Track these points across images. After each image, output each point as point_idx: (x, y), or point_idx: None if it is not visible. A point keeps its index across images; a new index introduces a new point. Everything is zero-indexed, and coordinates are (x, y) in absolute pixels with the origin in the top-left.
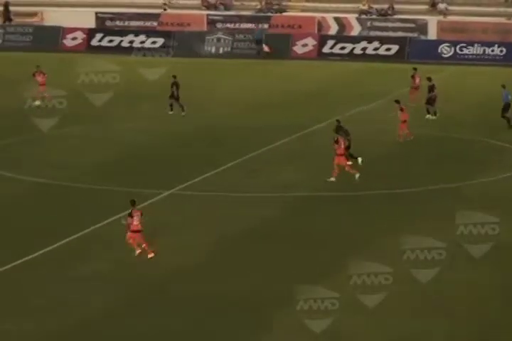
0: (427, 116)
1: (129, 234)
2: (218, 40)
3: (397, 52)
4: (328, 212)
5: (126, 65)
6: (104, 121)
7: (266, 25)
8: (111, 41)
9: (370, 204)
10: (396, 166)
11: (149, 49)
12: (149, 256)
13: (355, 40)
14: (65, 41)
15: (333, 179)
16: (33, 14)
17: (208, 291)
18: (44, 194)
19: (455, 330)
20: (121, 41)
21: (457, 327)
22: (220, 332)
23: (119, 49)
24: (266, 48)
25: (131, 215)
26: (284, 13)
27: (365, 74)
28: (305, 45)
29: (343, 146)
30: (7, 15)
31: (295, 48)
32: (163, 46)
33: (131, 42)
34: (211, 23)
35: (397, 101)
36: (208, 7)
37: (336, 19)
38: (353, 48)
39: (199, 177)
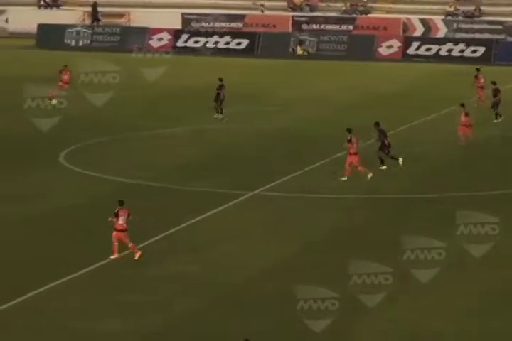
0: (495, 120)
1: (114, 233)
2: (304, 41)
3: (484, 54)
4: (415, 214)
5: (207, 65)
6: (190, 121)
7: (351, 27)
8: (196, 42)
9: (456, 206)
10: (481, 168)
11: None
12: (136, 256)
13: (440, 41)
14: (151, 42)
15: (345, 178)
16: (121, 15)
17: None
18: (130, 194)
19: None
20: (207, 42)
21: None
22: (309, 333)
23: (204, 50)
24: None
25: (116, 214)
26: (370, 15)
27: (450, 76)
28: (390, 47)
29: (355, 145)
30: (95, 16)
31: (380, 50)
32: (248, 47)
33: (216, 43)
34: (296, 24)
35: (462, 105)
36: (294, 8)
37: (422, 21)
38: (439, 50)
39: (284, 177)
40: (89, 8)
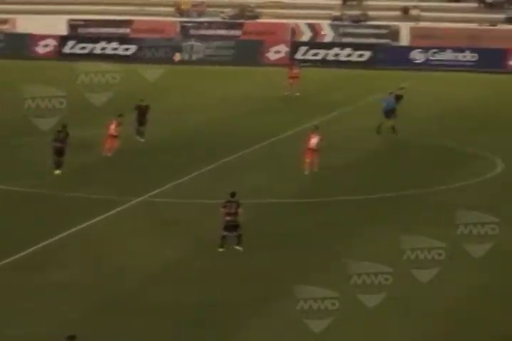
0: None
1: None
2: (191, 46)
3: (370, 58)
4: (301, 219)
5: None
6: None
7: (239, 32)
8: (83, 48)
9: (339, 210)
10: (365, 173)
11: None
12: None
13: (327, 46)
14: (37, 48)
15: None
16: (5, 21)
17: (185, 299)
18: (9, 202)
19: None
20: (94, 48)
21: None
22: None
23: (91, 56)
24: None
25: None
26: (258, 20)
27: (337, 81)
28: (278, 52)
29: None
30: None
31: (268, 55)
32: (135, 53)
33: (103, 49)
34: (184, 29)
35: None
36: (181, 14)
37: (309, 25)
38: (326, 54)
39: (171, 183)
40: None
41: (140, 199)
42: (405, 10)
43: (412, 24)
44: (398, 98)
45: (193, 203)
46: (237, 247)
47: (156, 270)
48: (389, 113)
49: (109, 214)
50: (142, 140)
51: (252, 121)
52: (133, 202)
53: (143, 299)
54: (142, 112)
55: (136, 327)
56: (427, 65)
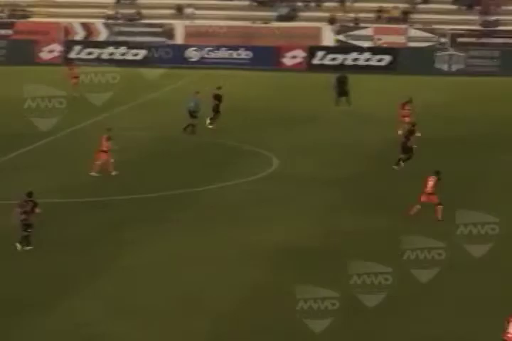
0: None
1: None
2: None
3: (145, 57)
4: (83, 218)
5: None
6: None
7: (10, 31)
8: None
9: (119, 210)
10: (144, 173)
11: None
12: None
13: (102, 45)
14: None
15: None
16: None
17: None
18: None
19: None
20: None
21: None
22: None
23: None
24: None
25: None
26: (29, 19)
27: (113, 80)
28: (51, 51)
29: None
30: None
31: (41, 54)
32: None
33: None
34: None
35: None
36: None
37: (83, 24)
38: (101, 53)
39: None
40: None
41: None
42: (179, 8)
43: (186, 22)
44: (218, 97)
45: None
46: (17, 244)
47: None
48: (194, 113)
49: None
50: None
51: (28, 121)
52: None
53: None
54: None
55: None
56: (203, 63)
